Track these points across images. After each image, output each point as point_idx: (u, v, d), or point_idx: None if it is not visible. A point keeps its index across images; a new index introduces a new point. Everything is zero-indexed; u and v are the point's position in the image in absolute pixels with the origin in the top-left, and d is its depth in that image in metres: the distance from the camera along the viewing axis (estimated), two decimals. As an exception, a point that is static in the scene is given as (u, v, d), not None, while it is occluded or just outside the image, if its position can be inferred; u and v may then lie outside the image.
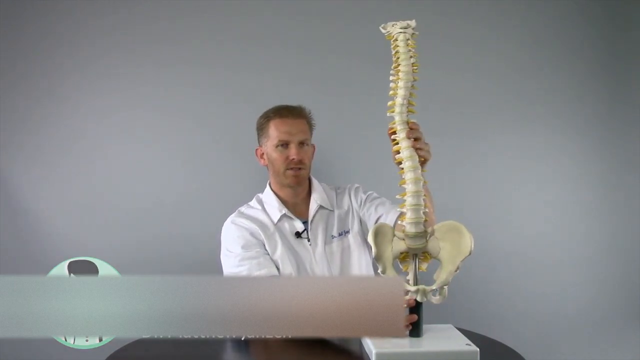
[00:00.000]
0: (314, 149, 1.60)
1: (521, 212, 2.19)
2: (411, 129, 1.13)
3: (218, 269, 2.03)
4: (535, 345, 2.12)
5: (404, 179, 1.10)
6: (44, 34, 2.04)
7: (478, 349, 1.01)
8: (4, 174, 2.01)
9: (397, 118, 1.11)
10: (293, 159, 1.47)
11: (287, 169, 1.48)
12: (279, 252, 1.46)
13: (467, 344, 1.04)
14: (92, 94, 2.05)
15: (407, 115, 1.11)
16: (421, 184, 1.09)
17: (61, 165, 2.03)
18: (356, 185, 1.64)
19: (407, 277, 1.11)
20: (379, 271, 1.08)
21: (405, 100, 1.10)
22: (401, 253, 1.09)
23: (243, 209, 1.58)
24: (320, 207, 1.54)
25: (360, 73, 2.12)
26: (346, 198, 1.60)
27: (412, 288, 1.06)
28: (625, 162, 2.23)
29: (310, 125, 1.57)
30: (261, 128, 1.57)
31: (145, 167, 2.06)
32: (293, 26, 2.12)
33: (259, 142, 1.60)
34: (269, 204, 1.55)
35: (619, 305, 2.21)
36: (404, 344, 1.06)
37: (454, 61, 2.17)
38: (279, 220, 1.51)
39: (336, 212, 1.55)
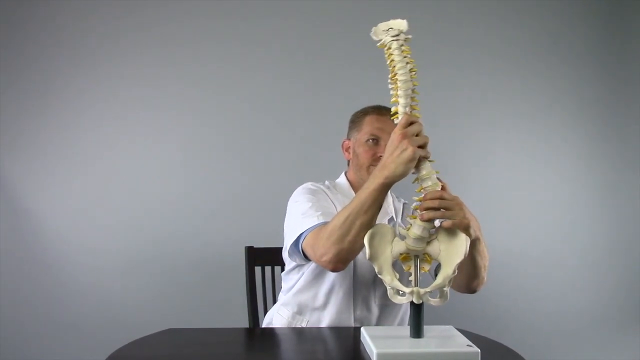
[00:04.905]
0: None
1: (521, 213, 2.19)
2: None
3: (218, 267, 2.04)
4: (535, 345, 2.12)
5: (421, 185, 1.09)
6: (44, 35, 2.04)
7: (479, 350, 1.01)
8: (4, 174, 2.01)
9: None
10: (381, 156, 1.43)
11: (372, 165, 1.45)
12: None
13: (468, 345, 1.04)
14: (93, 95, 2.06)
15: None
16: (439, 189, 1.08)
17: (61, 165, 2.03)
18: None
19: (410, 278, 1.10)
20: (375, 270, 1.08)
21: (407, 108, 1.09)
22: (401, 254, 1.09)
23: (318, 184, 1.52)
24: (391, 218, 1.51)
25: (362, 74, 2.12)
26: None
27: (407, 290, 1.06)
28: (625, 162, 2.23)
29: None
30: (355, 121, 1.55)
31: (145, 168, 2.07)
32: (298, 28, 2.13)
33: (348, 135, 1.58)
34: (343, 188, 1.51)
35: (619, 305, 2.21)
36: (405, 345, 1.06)
37: (454, 61, 2.17)
38: None
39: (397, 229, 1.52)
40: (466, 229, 1.07)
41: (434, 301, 1.07)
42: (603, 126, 2.24)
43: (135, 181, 2.05)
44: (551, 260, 2.19)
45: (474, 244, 1.20)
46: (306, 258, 1.34)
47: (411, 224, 1.08)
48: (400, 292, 1.07)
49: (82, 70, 2.05)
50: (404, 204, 1.58)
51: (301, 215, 1.34)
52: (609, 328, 2.21)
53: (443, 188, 1.10)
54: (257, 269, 1.75)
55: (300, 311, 1.43)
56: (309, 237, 1.28)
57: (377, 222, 1.46)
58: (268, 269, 1.76)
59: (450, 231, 1.07)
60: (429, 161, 1.09)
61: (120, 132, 2.06)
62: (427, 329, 1.11)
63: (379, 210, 1.16)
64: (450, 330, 1.16)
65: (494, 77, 2.20)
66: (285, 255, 1.46)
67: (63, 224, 2.02)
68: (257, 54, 2.11)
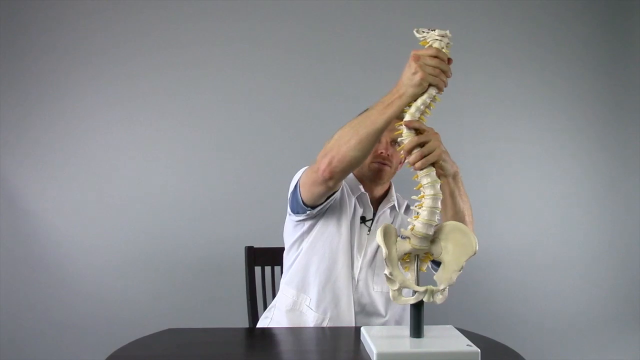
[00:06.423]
0: (403, 161, 1.54)
1: (521, 213, 2.19)
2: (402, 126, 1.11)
3: (218, 267, 2.04)
4: (535, 345, 2.12)
5: (420, 183, 1.09)
6: (45, 36, 2.04)
7: (479, 350, 1.01)
8: (5, 175, 2.01)
9: (406, 118, 1.10)
10: (381, 152, 1.44)
11: (373, 162, 1.46)
12: (343, 218, 1.43)
13: (467, 345, 1.04)
14: (93, 95, 2.06)
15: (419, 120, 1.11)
16: (438, 185, 1.08)
17: (61, 165, 2.03)
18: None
19: (408, 278, 1.10)
20: (385, 272, 1.07)
21: (423, 107, 1.09)
22: (405, 254, 1.09)
23: None
24: (393, 207, 1.52)
25: (364, 74, 2.12)
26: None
27: (421, 289, 1.05)
28: (625, 162, 2.24)
29: None
30: None
31: (145, 167, 2.07)
32: (298, 28, 2.13)
33: None
34: (349, 178, 1.51)
35: (619, 306, 2.22)
36: (405, 345, 1.06)
37: (456, 61, 2.16)
38: (358, 195, 1.48)
39: (399, 220, 1.53)
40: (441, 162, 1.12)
41: (438, 299, 1.07)
42: (603, 127, 2.24)
43: (136, 181, 2.05)
44: (551, 260, 2.19)
45: (454, 179, 1.26)
46: (305, 206, 1.36)
47: (414, 225, 1.08)
48: (404, 293, 1.08)
49: (83, 71, 2.05)
50: (407, 203, 1.59)
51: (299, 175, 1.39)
52: (609, 328, 2.21)
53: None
54: (257, 269, 1.75)
55: (304, 288, 1.42)
56: (305, 173, 1.33)
57: (381, 217, 1.48)
58: (268, 269, 1.76)
59: (457, 230, 1.08)
60: (437, 94, 1.10)
61: (121, 132, 2.06)
62: (427, 328, 1.11)
63: (384, 129, 1.16)
64: (450, 329, 1.16)
65: (493, 78, 2.20)
66: (286, 225, 1.48)
67: (63, 224, 2.02)
68: (259, 53, 2.10)
